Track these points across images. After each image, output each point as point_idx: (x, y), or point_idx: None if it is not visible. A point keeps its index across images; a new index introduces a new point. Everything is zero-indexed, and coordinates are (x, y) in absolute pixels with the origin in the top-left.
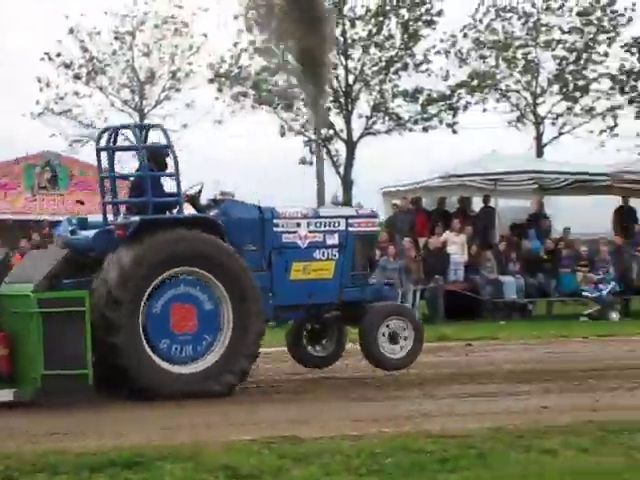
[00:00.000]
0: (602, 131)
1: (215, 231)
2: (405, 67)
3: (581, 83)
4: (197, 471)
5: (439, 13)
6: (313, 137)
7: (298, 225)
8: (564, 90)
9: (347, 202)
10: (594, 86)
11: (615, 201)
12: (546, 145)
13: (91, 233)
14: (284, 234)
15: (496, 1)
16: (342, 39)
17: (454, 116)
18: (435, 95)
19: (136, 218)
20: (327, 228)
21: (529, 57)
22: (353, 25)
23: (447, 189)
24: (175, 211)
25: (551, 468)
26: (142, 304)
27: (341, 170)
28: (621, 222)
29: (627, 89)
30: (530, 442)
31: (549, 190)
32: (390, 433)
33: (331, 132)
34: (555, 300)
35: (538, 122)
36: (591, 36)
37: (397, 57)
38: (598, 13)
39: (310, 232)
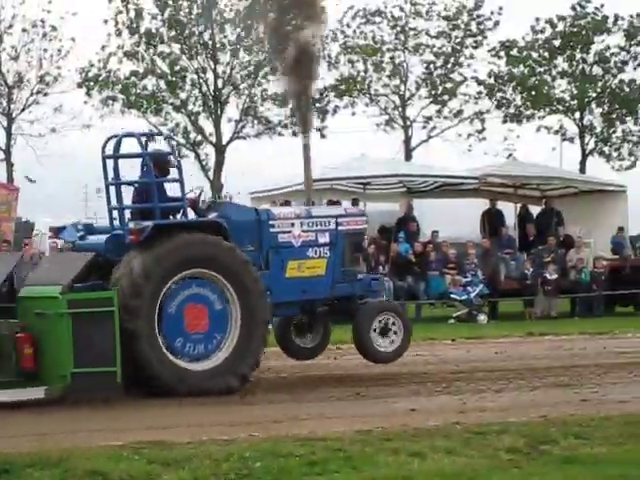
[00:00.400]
0: (470, 135)
1: (221, 233)
2: (274, 71)
3: (449, 86)
4: (65, 477)
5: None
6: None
7: (292, 225)
8: (432, 94)
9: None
10: (462, 90)
11: (483, 204)
12: (415, 148)
13: (101, 238)
14: (279, 234)
15: (366, 5)
16: (210, 43)
17: (323, 120)
18: None
19: (149, 223)
20: (319, 227)
21: (397, 61)
22: (222, 29)
23: (316, 193)
24: (179, 215)
25: (419, 471)
26: (157, 305)
27: (210, 174)
28: (489, 225)
29: (495, 93)
30: (398, 445)
31: (417, 193)
32: (259, 437)
33: (199, 137)
34: (424, 303)
35: (407, 126)
36: (458, 40)
37: (266, 61)
38: (465, 17)
39: (303, 231)
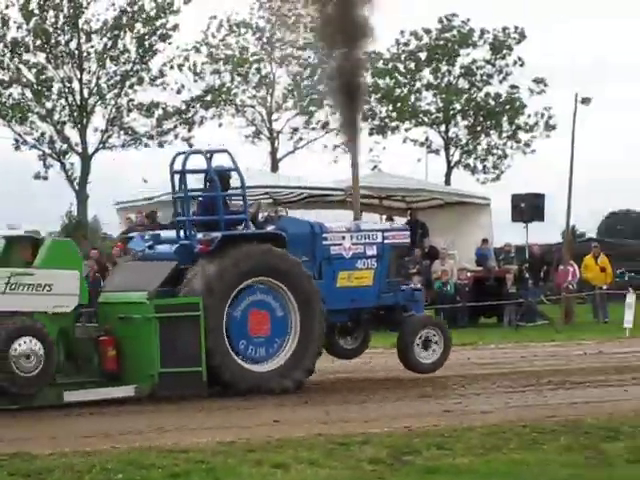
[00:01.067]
0: (336, 146)
1: (282, 245)
2: (140, 81)
3: (315, 98)
4: None
5: (174, 28)
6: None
7: (343, 238)
8: (299, 105)
9: (82, 218)
10: (329, 101)
11: (349, 216)
12: (281, 160)
13: (170, 247)
14: (332, 246)
15: (230, 16)
16: (77, 52)
17: (190, 130)
18: (171, 109)
19: (217, 234)
20: (367, 240)
21: (263, 72)
22: (89, 39)
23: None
24: (241, 227)
25: None
26: (225, 310)
27: (76, 185)
28: None
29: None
30: (262, 456)
31: (283, 204)
32: (122, 449)
33: (65, 146)
34: None
35: (273, 137)
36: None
37: (132, 71)
38: None
39: (353, 244)
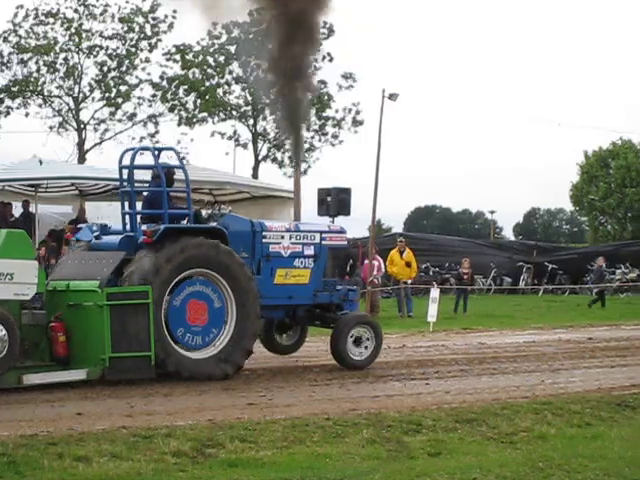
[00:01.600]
0: (143, 137)
1: (223, 240)
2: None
3: (123, 89)
4: None
5: None
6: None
7: (282, 237)
8: (106, 96)
9: None
10: (136, 93)
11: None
12: (88, 151)
13: (115, 238)
14: (271, 244)
15: (38, 6)
16: None
17: None
18: None
19: (161, 226)
20: (305, 240)
21: (71, 62)
22: None
23: None
24: (184, 222)
25: (84, 475)
26: (164, 299)
27: None
28: None
29: (169, 96)
30: (63, 449)
31: (90, 196)
32: None
33: None
34: None
35: (80, 128)
36: (133, 42)
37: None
38: (140, 20)
39: (292, 243)
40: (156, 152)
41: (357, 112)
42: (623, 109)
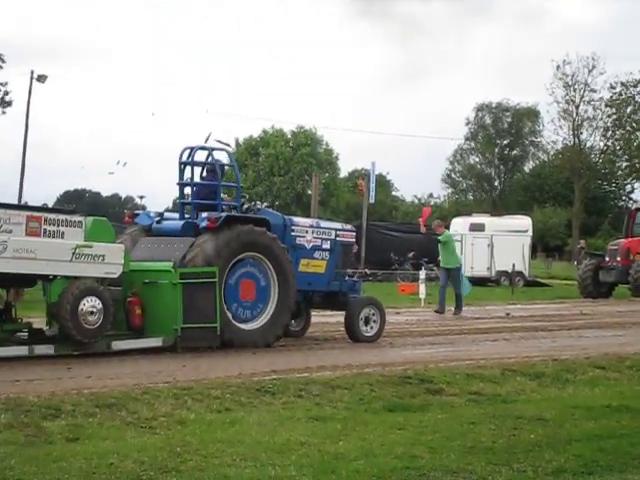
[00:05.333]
0: None
1: (268, 229)
2: None
3: None
4: None
5: None
6: None
7: (306, 232)
8: None
9: None
10: None
11: None
12: None
13: (177, 223)
14: (297, 237)
15: None
16: None
17: None
18: None
19: (222, 214)
20: (324, 236)
21: None
22: None
23: None
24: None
25: None
26: (224, 278)
27: None
28: None
29: None
30: None
31: None
32: None
33: None
34: None
35: None
36: None
37: None
38: None
39: (314, 237)
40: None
41: (6, 93)
42: (275, 98)
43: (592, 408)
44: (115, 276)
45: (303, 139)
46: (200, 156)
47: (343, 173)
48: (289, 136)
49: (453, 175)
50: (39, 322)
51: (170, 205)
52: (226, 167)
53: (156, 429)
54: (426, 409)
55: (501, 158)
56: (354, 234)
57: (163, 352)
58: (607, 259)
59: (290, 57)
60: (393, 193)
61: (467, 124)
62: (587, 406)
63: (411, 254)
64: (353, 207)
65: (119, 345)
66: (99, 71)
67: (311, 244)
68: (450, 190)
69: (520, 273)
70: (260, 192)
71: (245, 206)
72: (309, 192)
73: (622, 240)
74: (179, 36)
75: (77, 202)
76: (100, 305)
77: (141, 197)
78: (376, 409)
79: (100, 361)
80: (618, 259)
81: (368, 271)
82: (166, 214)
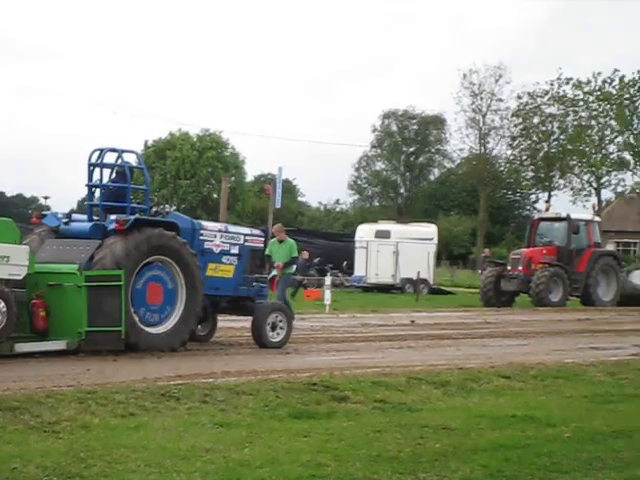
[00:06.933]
0: None
1: (177, 233)
2: None
3: None
4: None
5: None
6: None
7: (215, 236)
8: None
9: None
10: None
11: None
12: None
13: (85, 225)
14: (205, 241)
15: None
16: None
17: None
18: None
19: (131, 217)
20: (232, 241)
21: None
22: None
23: None
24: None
25: None
26: (131, 282)
27: None
28: None
29: None
30: None
31: None
32: None
33: None
34: None
35: None
36: None
37: None
38: None
39: (222, 242)
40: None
41: None
42: (181, 99)
43: (497, 418)
44: (20, 278)
45: (209, 142)
46: (109, 158)
47: (249, 177)
48: (195, 139)
49: (359, 182)
50: None
51: (75, 206)
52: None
53: (60, 433)
54: (331, 417)
55: (407, 165)
56: (263, 239)
57: (67, 355)
58: (509, 268)
59: (198, 60)
60: (299, 199)
61: (373, 131)
62: (492, 416)
63: (316, 260)
64: (259, 212)
65: (22, 347)
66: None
67: (219, 249)
68: (356, 197)
69: (425, 281)
70: (166, 195)
71: (154, 209)
72: (215, 196)
73: (524, 249)
74: (88, 36)
75: None
76: (3, 307)
77: (46, 197)
78: (281, 416)
79: (3, 364)
80: (520, 268)
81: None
82: (74, 215)
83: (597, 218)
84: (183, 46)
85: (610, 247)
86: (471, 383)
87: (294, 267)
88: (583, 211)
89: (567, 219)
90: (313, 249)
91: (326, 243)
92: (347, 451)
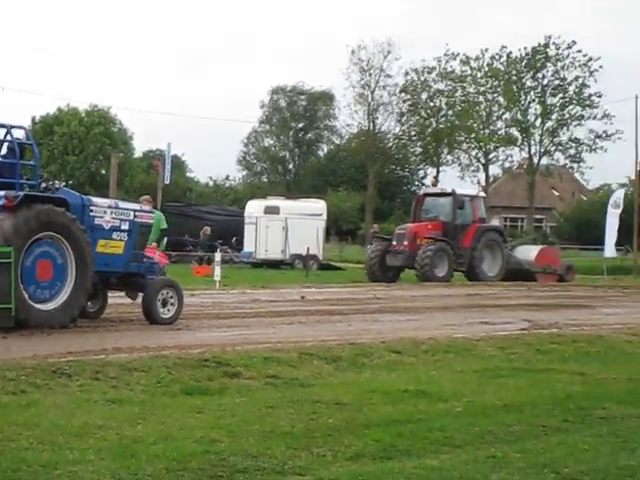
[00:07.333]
0: None
1: (67, 209)
2: None
3: None
4: None
5: None
6: None
7: (105, 212)
8: None
9: None
10: None
11: None
12: None
13: None
14: (96, 217)
15: None
16: None
17: None
18: None
19: (20, 193)
20: (122, 217)
21: None
22: None
23: None
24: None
25: None
26: (20, 259)
27: None
28: None
29: None
30: None
31: None
32: None
33: None
34: None
35: None
36: None
37: None
38: None
39: (112, 218)
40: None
41: None
42: (69, 76)
43: (389, 392)
44: None
45: (97, 118)
46: None
47: (137, 153)
48: (83, 115)
49: (248, 157)
50: None
51: None
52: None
53: None
54: (224, 393)
55: (296, 141)
56: (153, 215)
57: None
58: (394, 243)
59: (86, 34)
60: (188, 174)
61: (262, 107)
62: (384, 391)
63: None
64: (147, 188)
65: None
66: None
67: (110, 225)
68: (245, 172)
69: (314, 256)
70: (54, 171)
71: (43, 185)
72: (103, 172)
73: (409, 225)
74: None
75: None
76: None
77: None
78: (174, 392)
79: None
80: (405, 243)
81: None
82: None
83: (482, 193)
84: (70, 21)
85: (495, 222)
86: (363, 358)
87: (165, 239)
88: (471, 187)
89: (452, 194)
90: (201, 225)
91: (215, 219)
92: (240, 427)
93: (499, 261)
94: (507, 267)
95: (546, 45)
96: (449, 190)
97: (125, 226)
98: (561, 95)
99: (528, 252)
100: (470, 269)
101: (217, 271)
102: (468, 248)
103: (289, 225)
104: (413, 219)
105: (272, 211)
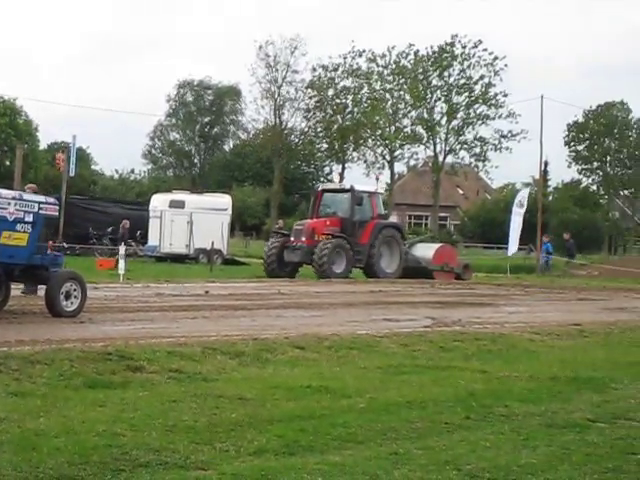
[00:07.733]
0: None
1: None
2: None
3: None
4: None
5: None
6: None
7: (9, 204)
8: None
9: None
10: None
11: None
12: None
13: None
14: None
15: None
16: None
17: None
18: None
19: None
20: (27, 209)
21: None
22: None
23: None
24: None
25: None
26: None
27: None
28: None
29: None
30: None
31: None
32: None
33: None
34: None
35: None
36: None
37: None
38: None
39: (16, 210)
40: None
41: None
42: None
43: (292, 388)
44: None
45: (2, 109)
46: None
47: (42, 145)
48: None
49: (153, 151)
50: None
51: None
52: None
53: None
54: (127, 386)
55: (202, 136)
56: (57, 207)
57: None
58: (292, 239)
59: None
60: (93, 167)
61: (168, 101)
62: (288, 386)
63: (110, 229)
64: (52, 180)
65: None
66: None
67: (14, 216)
68: (150, 166)
69: (219, 251)
70: None
71: None
72: (8, 163)
73: (308, 220)
74: None
75: None
76: None
77: None
78: (76, 385)
79: None
80: (303, 239)
81: (66, 245)
82: None
83: (380, 190)
84: None
85: (394, 219)
86: (266, 354)
87: None
88: (372, 183)
89: (351, 190)
90: (106, 218)
91: (121, 212)
92: (143, 421)
93: (397, 258)
94: (405, 264)
95: (452, 44)
96: (347, 186)
97: (29, 218)
98: (467, 94)
99: (426, 250)
100: (368, 265)
101: (121, 264)
102: (366, 244)
103: (194, 219)
104: (312, 215)
105: (177, 205)
